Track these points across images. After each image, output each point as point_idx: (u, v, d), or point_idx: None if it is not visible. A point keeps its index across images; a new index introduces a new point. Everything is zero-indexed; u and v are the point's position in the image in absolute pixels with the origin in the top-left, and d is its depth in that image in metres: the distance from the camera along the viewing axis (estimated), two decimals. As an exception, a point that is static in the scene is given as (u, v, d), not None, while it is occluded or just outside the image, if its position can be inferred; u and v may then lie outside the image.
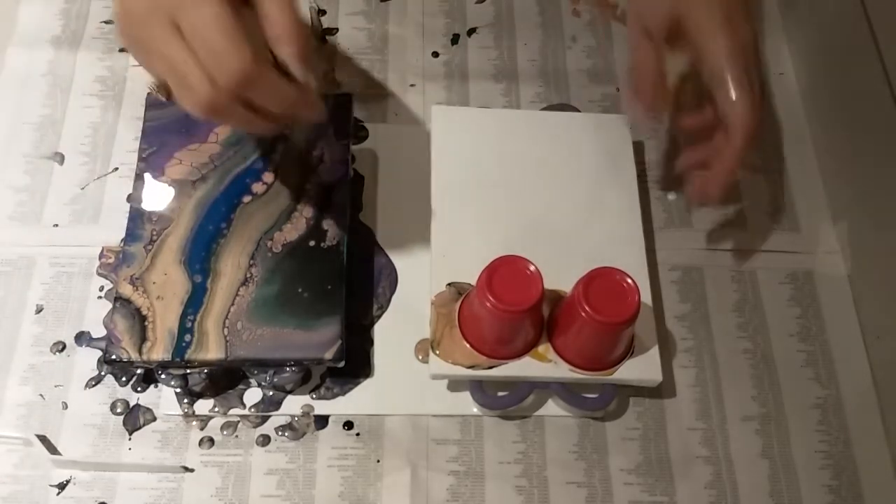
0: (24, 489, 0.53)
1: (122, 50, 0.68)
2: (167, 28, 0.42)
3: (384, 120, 0.66)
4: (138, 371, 0.56)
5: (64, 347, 0.57)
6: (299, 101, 0.45)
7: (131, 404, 0.56)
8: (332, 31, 0.70)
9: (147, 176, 0.57)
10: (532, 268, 0.51)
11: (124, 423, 0.55)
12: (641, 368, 0.54)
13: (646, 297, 0.55)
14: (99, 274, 0.59)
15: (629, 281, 0.50)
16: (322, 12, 0.71)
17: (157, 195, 0.57)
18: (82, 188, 0.63)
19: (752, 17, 0.52)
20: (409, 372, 0.57)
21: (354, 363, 0.56)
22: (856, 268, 0.62)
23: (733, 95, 0.51)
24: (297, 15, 0.44)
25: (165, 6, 0.42)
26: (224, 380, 0.56)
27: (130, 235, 0.55)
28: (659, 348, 0.55)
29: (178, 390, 0.55)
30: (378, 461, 0.55)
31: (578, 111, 0.66)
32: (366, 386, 0.57)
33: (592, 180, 0.60)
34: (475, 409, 0.56)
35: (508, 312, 0.50)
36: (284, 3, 0.43)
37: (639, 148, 0.66)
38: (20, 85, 0.66)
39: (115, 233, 0.60)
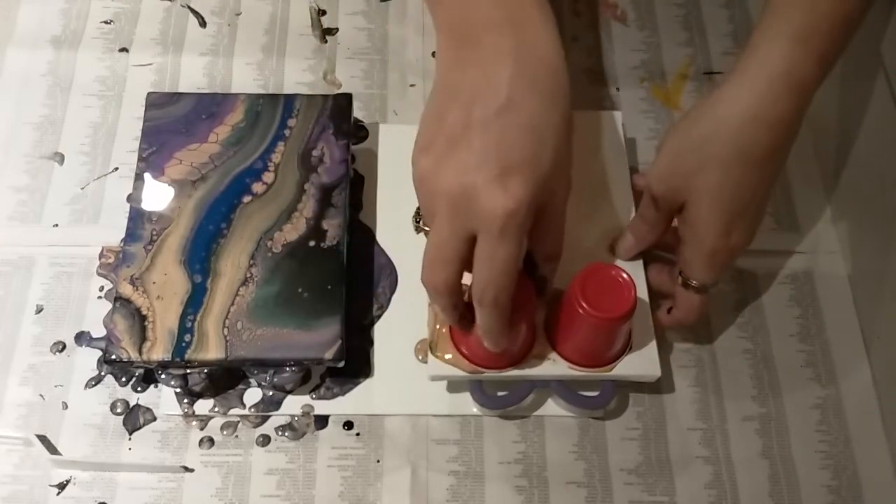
0: (24, 489, 0.53)
1: (122, 50, 0.68)
2: (463, 229, 0.44)
3: (384, 120, 0.66)
4: (138, 371, 0.56)
5: (64, 347, 0.57)
6: (508, 342, 0.49)
7: (131, 404, 0.56)
8: (332, 31, 0.70)
9: (147, 176, 0.57)
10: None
11: (124, 423, 0.55)
12: (640, 364, 0.54)
13: (641, 292, 0.55)
14: (99, 274, 0.60)
15: (625, 276, 0.50)
16: (322, 12, 0.71)
17: (157, 195, 0.57)
18: (82, 188, 0.63)
19: (755, 225, 0.51)
20: (409, 372, 0.57)
21: (354, 363, 0.56)
22: (856, 268, 0.62)
23: (689, 298, 0.54)
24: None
25: (471, 215, 0.43)
26: (224, 380, 0.56)
27: (130, 235, 0.55)
28: (657, 344, 0.55)
29: (178, 390, 0.55)
30: (378, 461, 0.55)
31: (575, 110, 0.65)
32: (366, 386, 0.57)
33: (586, 177, 0.60)
34: (475, 409, 0.56)
35: None
36: (563, 226, 0.48)
37: (632, 145, 0.66)
38: (20, 85, 0.66)
39: (115, 233, 0.60)
